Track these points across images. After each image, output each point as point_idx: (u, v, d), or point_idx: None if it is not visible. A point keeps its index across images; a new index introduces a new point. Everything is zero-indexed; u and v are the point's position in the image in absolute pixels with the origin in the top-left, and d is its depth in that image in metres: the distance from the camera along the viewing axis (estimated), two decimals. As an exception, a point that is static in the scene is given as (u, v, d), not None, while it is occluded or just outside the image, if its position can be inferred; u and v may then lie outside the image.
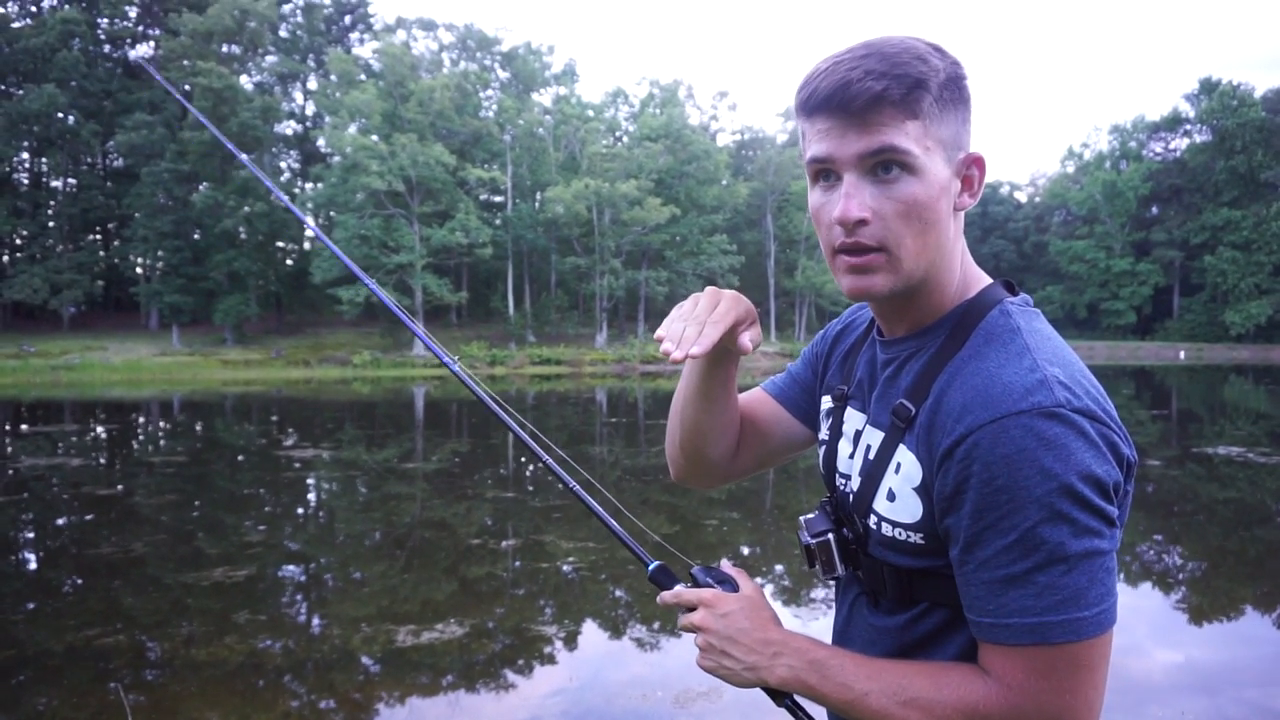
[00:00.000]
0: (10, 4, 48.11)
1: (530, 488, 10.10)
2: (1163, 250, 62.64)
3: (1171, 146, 67.59)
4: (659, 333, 0.99)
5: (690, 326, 0.99)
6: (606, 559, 6.57)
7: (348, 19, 55.67)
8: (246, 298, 42.36)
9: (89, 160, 48.76)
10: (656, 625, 5.16)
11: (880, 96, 0.87)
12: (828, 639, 1.06)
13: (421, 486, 10.11)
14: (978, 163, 0.95)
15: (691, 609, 1.03)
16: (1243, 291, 58.08)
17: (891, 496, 0.96)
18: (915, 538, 0.94)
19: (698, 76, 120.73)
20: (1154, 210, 66.26)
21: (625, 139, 53.58)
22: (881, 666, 0.93)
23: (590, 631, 5.14)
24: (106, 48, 49.73)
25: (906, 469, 0.94)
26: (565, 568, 6.35)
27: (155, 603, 5.57)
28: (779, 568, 6.44)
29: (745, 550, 7.04)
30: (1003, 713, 0.85)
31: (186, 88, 41.71)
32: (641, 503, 8.67)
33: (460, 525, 7.86)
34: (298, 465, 11.73)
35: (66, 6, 46.71)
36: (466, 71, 49.08)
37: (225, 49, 44.25)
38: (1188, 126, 65.86)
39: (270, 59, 48.49)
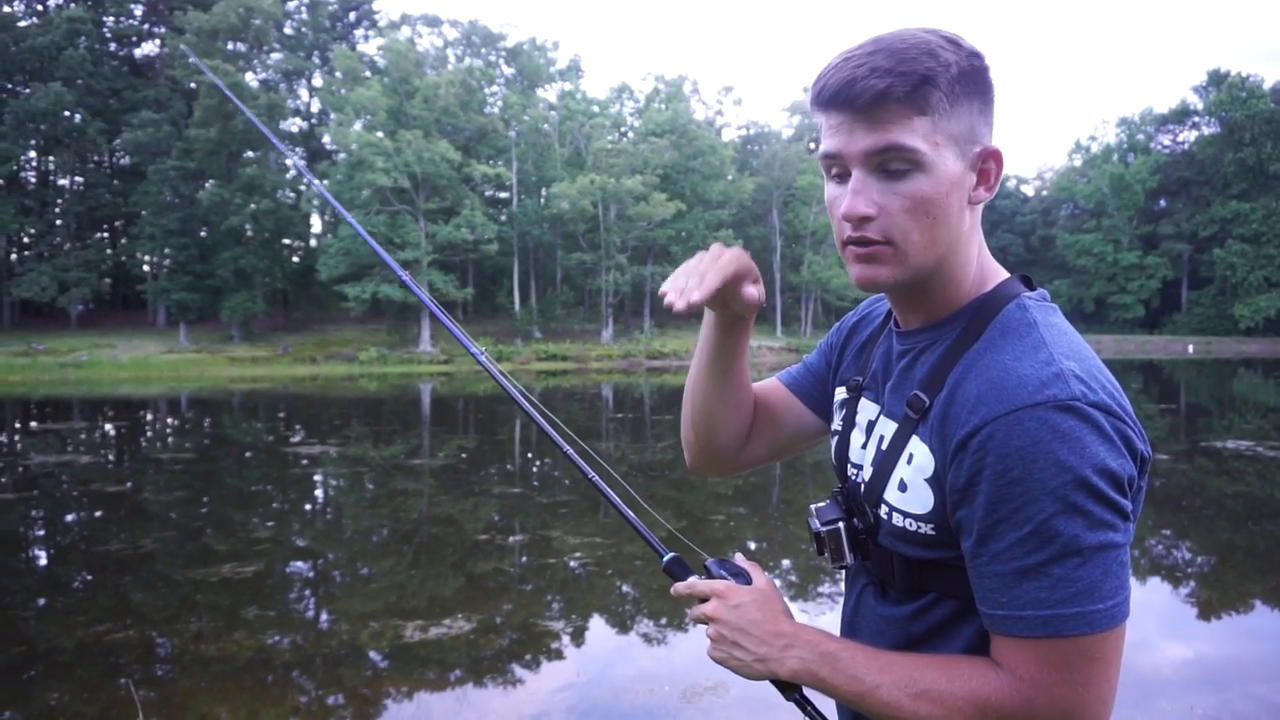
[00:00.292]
0: (17, 3, 48.28)
1: (537, 483, 10.11)
2: (1171, 243, 62.28)
3: (1180, 139, 67.14)
4: (663, 287, 1.00)
5: (691, 277, 1.00)
6: (614, 554, 6.58)
7: (352, 15, 55.66)
8: (253, 295, 42.48)
9: (96, 158, 48.92)
10: (664, 620, 5.17)
11: (884, 94, 0.87)
12: (835, 633, 1.06)
13: (428, 482, 10.14)
14: (994, 156, 0.95)
15: (704, 600, 1.04)
16: (1252, 285, 57.71)
17: (903, 487, 0.96)
18: (926, 528, 0.94)
19: (703, 71, 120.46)
20: (1162, 203, 65.86)
21: (630, 134, 53.52)
22: (892, 659, 0.93)
23: (597, 627, 5.15)
24: (113, 46, 49.85)
25: (919, 460, 0.94)
26: (572, 563, 6.36)
27: (164, 599, 5.60)
28: (786, 562, 6.44)
29: (752, 545, 7.04)
30: (1015, 705, 0.85)
31: (192, 85, 41.85)
32: (648, 498, 8.64)
33: (467, 521, 7.88)
34: (305, 462, 11.77)
35: (72, 5, 46.81)
36: (471, 68, 49.06)
37: (230, 46, 44.31)
38: (1196, 119, 65.38)
39: (275, 56, 48.53)
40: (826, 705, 1.04)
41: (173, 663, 4.52)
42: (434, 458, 12.13)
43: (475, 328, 45.02)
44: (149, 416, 19.26)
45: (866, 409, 1.09)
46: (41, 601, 5.76)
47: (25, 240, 46.82)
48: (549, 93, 53.89)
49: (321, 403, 22.20)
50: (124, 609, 5.37)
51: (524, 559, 6.62)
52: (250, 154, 44.77)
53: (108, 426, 17.12)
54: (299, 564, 6.76)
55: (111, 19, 49.32)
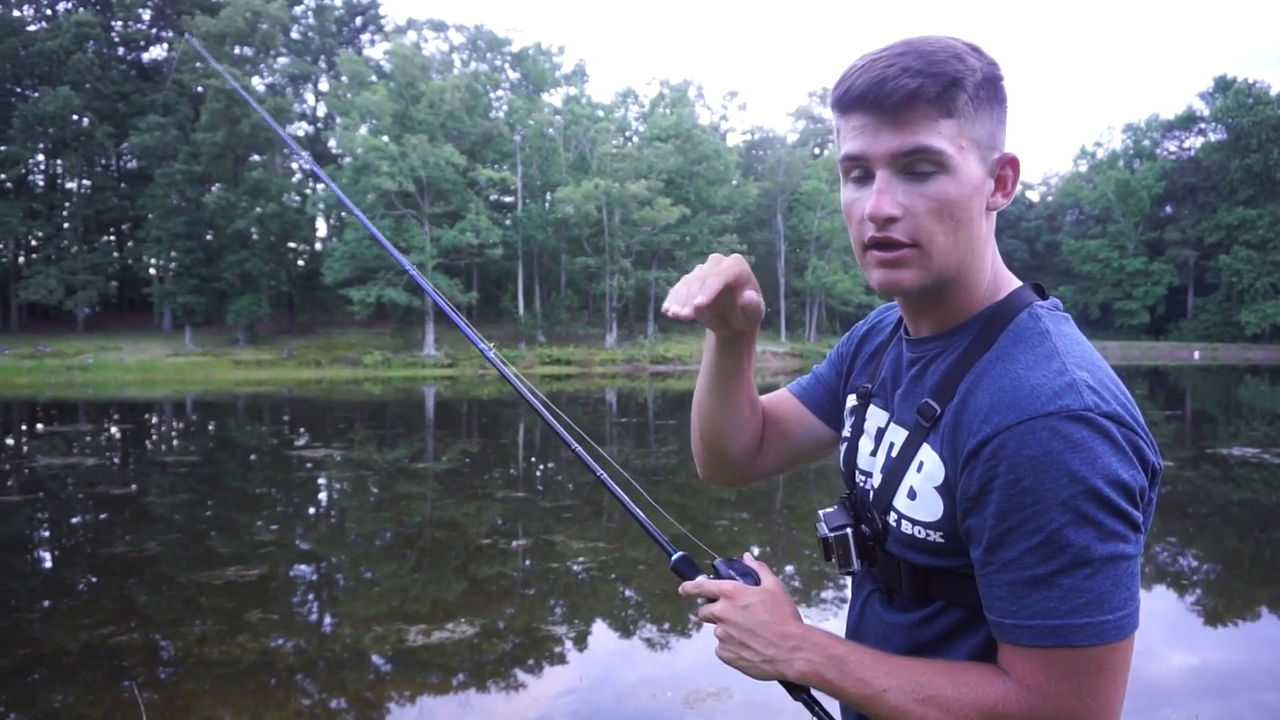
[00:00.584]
0: (26, 7, 48.61)
1: (540, 487, 10.11)
2: (1177, 250, 62.13)
3: (1186, 145, 67.04)
4: (666, 303, 1.00)
5: (693, 285, 1.00)
6: (617, 559, 6.57)
7: (359, 20, 55.90)
8: (258, 298, 42.61)
9: (103, 162, 49.16)
10: (667, 625, 5.16)
11: (915, 94, 0.87)
12: (840, 635, 1.06)
13: (432, 486, 10.14)
14: (1012, 163, 0.95)
15: (713, 600, 1.04)
16: (1258, 291, 57.54)
17: (912, 494, 0.96)
18: (934, 536, 0.94)
19: (708, 76, 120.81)
20: (1168, 209, 65.73)
21: (635, 139, 53.57)
22: (900, 664, 0.93)
23: (600, 631, 5.14)
24: (120, 50, 50.13)
25: (929, 468, 0.94)
26: (575, 568, 6.36)
27: (169, 601, 5.61)
28: (790, 568, 6.42)
29: (756, 549, 6.99)
30: (1021, 714, 0.85)
31: (199, 89, 42.01)
32: (653, 502, 8.66)
33: (471, 525, 7.88)
34: (309, 465, 11.78)
35: (81, 10, 47.13)
36: (477, 72, 49.22)
37: (237, 51, 44.52)
38: (1202, 125, 65.27)
39: (282, 60, 48.76)
40: (833, 705, 1.04)
41: (176, 665, 4.53)
42: (438, 461, 12.14)
43: (479, 332, 44.66)
44: (154, 419, 19.32)
45: (875, 416, 1.09)
46: (46, 603, 5.77)
47: (33, 243, 47.05)
48: (554, 97, 54.05)
49: (326, 406, 22.24)
50: (128, 611, 5.37)
51: (527, 563, 6.62)
52: (256, 158, 44.98)
53: (113, 429, 17.16)
54: (303, 567, 6.77)
55: (120, 24, 49.62)
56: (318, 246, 50.70)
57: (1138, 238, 62.92)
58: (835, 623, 4.92)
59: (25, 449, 13.93)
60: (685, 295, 0.98)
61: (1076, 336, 0.94)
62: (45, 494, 9.51)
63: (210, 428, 17.49)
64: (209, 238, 44.50)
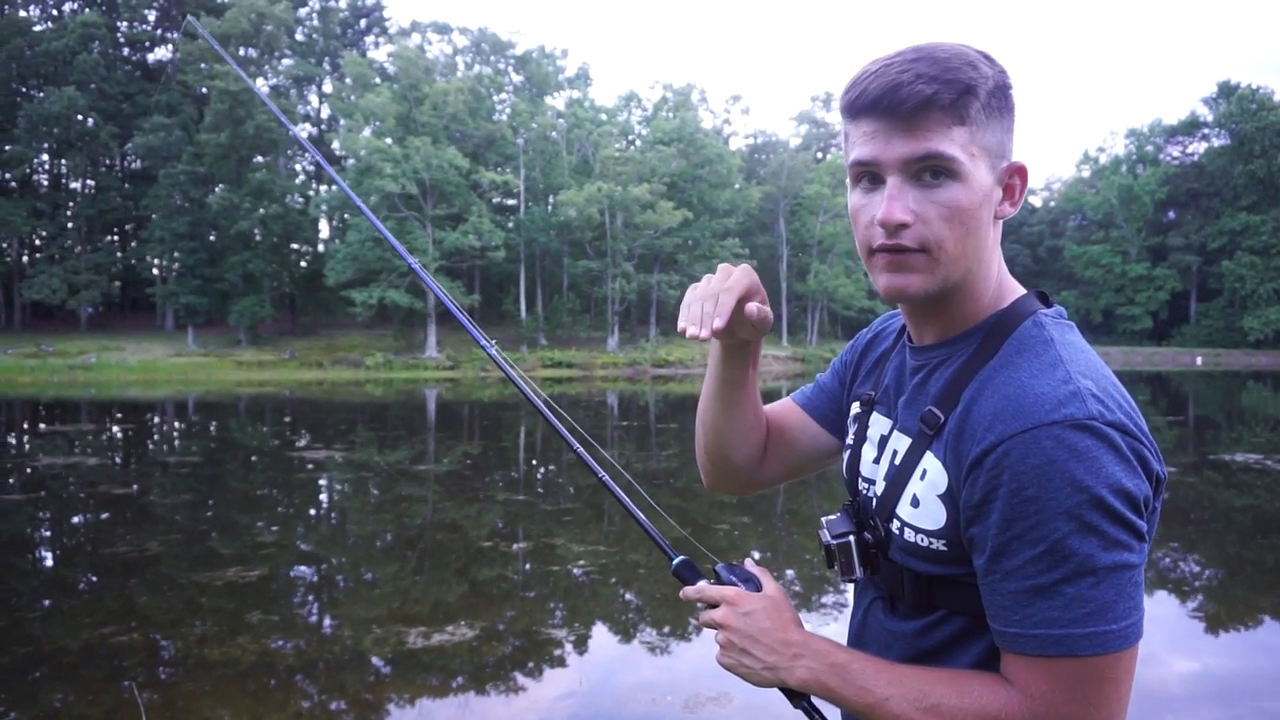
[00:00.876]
0: (32, 8, 48.77)
1: (541, 490, 10.11)
2: (1180, 255, 62.06)
3: (1189, 150, 66.96)
4: (680, 323, 1.01)
5: (706, 303, 1.00)
6: (617, 562, 6.57)
7: (363, 23, 56.05)
8: (261, 299, 42.67)
9: (107, 162, 49.29)
10: (667, 629, 5.15)
11: (930, 101, 0.87)
12: (841, 642, 1.05)
13: (433, 488, 10.14)
14: (1020, 172, 0.95)
15: (713, 605, 1.04)
16: (1261, 297, 57.44)
17: (915, 502, 0.96)
18: (937, 544, 0.93)
19: (711, 80, 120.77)
20: (1171, 215, 65.66)
21: (638, 142, 53.64)
22: (903, 672, 0.92)
23: (600, 635, 5.13)
24: (126, 51, 50.29)
25: (932, 476, 0.94)
26: (576, 571, 6.35)
27: (169, 602, 5.61)
28: (790, 572, 6.41)
29: (757, 554, 7.01)
30: None
31: (203, 90, 42.09)
32: (655, 504, 8.66)
33: (471, 527, 7.88)
34: (310, 466, 11.79)
35: (87, 10, 47.27)
36: (480, 75, 49.29)
37: (242, 52, 44.63)
38: (1205, 130, 65.23)
39: (286, 62, 48.86)
40: (834, 714, 1.03)
41: (176, 666, 4.53)
42: (439, 463, 12.14)
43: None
44: (156, 419, 19.34)
45: (878, 423, 1.08)
46: (47, 603, 5.77)
47: (36, 242, 47.17)
48: (557, 100, 54.11)
49: (327, 407, 22.26)
50: (129, 611, 5.38)
51: (528, 566, 6.61)
52: (260, 159, 45.07)
53: (115, 429, 17.18)
54: (303, 568, 6.77)
55: (125, 24, 49.77)
56: (320, 248, 50.81)
57: (1140, 243, 62.87)
58: (836, 626, 4.91)
59: (27, 448, 13.95)
60: (700, 315, 0.99)
61: (1080, 344, 0.94)
62: (47, 493, 9.51)
63: (212, 428, 17.50)
64: (212, 238, 44.58)
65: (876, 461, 1.06)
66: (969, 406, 0.91)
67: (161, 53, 51.37)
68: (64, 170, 48.42)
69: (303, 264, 49.48)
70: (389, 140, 41.80)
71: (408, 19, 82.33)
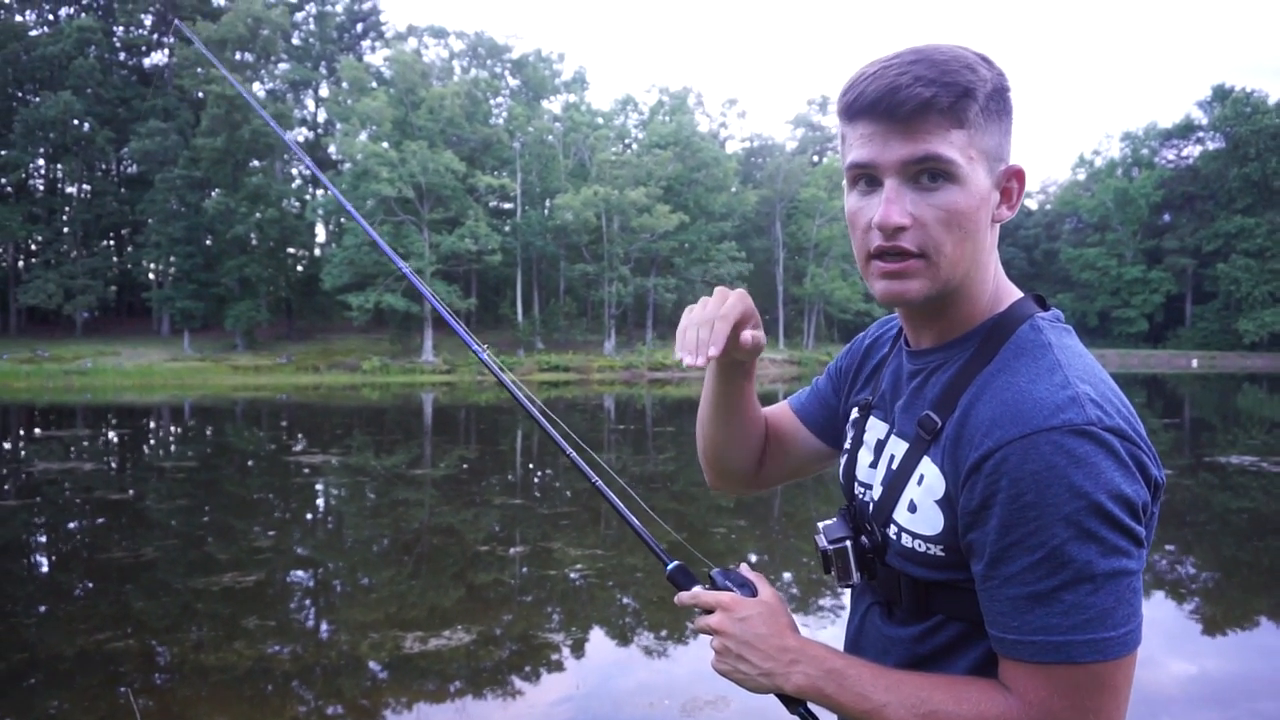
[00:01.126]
0: (28, 12, 48.70)
1: (538, 494, 10.10)
2: (1175, 258, 62.23)
3: (1184, 154, 67.19)
4: (675, 351, 1.02)
5: (702, 330, 1.01)
6: (614, 566, 6.56)
7: (359, 27, 56.08)
8: (257, 304, 42.61)
9: (103, 166, 49.24)
10: (664, 633, 5.15)
11: (928, 103, 0.86)
12: (837, 647, 1.05)
13: (429, 492, 10.13)
14: (1018, 175, 0.95)
15: (709, 611, 1.03)
16: (1256, 299, 57.61)
17: (913, 508, 0.95)
18: (935, 550, 0.93)
19: (707, 84, 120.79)
20: (1166, 218, 65.84)
21: (635, 146, 53.70)
22: (900, 678, 0.92)
23: (597, 639, 5.13)
24: (122, 55, 50.25)
25: (929, 481, 0.93)
26: (573, 575, 6.34)
27: (165, 607, 5.59)
28: (786, 575, 6.41)
29: (753, 557, 7.01)
30: None
31: (199, 95, 42.05)
32: (650, 509, 8.65)
33: (468, 532, 7.87)
34: (307, 471, 11.76)
35: (83, 15, 47.24)
36: (477, 79, 49.33)
37: (238, 56, 44.63)
38: (1200, 133, 65.45)
39: (282, 66, 48.88)
40: (829, 719, 1.03)
41: (173, 672, 4.51)
42: (435, 468, 12.13)
43: (477, 338, 44.83)
44: (152, 424, 19.29)
45: (875, 428, 1.08)
46: (43, 609, 5.75)
47: (32, 247, 47.10)
48: (554, 104, 54.18)
49: (324, 412, 22.22)
50: (125, 617, 5.36)
51: (524, 570, 6.60)
52: (256, 163, 45.04)
53: (111, 434, 17.13)
54: (300, 573, 6.75)
55: (121, 29, 49.75)
56: (317, 252, 50.76)
57: (1136, 246, 63.04)
58: (832, 630, 4.91)
59: (23, 453, 13.90)
60: (694, 343, 1.00)
61: (1078, 349, 0.93)
62: (42, 499, 9.48)
63: (208, 433, 17.46)
64: (208, 243, 44.54)
65: (873, 466, 1.05)
66: (967, 411, 0.90)
67: (158, 57, 51.40)
68: (60, 175, 48.37)
69: (299, 268, 49.42)
70: (385, 144, 41.78)
71: (404, 23, 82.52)
